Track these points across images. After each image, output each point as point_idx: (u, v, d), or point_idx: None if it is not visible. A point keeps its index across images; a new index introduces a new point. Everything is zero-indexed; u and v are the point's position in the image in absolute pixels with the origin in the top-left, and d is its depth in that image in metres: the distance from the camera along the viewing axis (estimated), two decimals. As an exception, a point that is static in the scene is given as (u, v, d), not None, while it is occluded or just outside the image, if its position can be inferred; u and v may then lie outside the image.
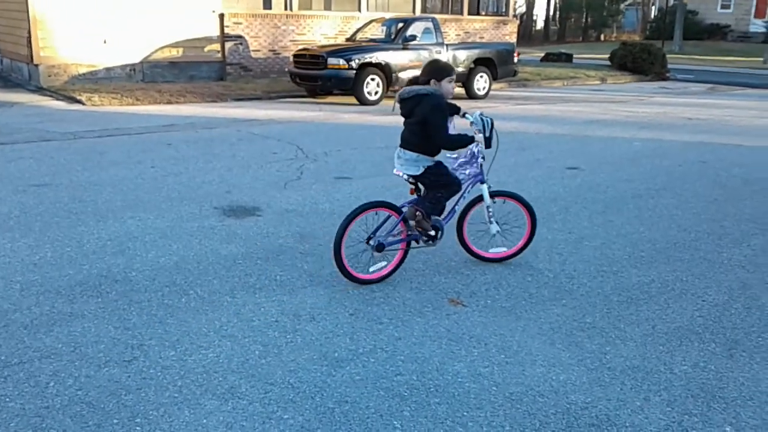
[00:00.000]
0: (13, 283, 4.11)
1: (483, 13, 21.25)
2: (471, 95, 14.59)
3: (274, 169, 7.36)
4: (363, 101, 13.06)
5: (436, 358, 3.35)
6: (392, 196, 5.65)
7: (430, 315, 3.84)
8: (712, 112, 13.64)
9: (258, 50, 15.89)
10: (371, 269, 4.24)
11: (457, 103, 4.42)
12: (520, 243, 4.67)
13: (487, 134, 4.21)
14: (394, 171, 4.31)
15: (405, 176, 4.26)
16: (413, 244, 4.39)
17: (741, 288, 4.38)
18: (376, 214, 4.27)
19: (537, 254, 4.83)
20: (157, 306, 3.84)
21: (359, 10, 17.36)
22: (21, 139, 8.69)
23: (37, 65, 13.58)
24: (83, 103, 11.86)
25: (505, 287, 4.28)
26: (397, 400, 2.97)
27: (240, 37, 15.56)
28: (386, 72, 13.30)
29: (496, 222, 4.52)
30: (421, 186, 4.30)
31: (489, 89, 15.01)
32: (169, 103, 12.49)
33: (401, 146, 4.24)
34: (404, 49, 13.63)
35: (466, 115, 4.30)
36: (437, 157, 4.27)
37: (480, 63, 14.68)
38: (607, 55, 23.94)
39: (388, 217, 4.27)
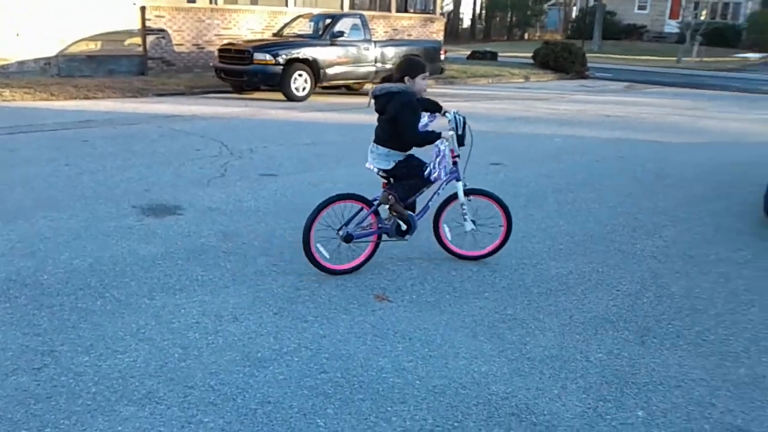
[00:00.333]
0: None
1: (411, 10, 21.46)
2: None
3: (197, 167, 7.17)
4: (291, 97, 12.93)
5: (360, 354, 3.35)
6: (319, 193, 5.61)
7: (356, 312, 3.84)
8: (629, 109, 14.21)
9: (181, 44, 15.46)
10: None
11: None
12: (497, 242, 4.72)
13: (460, 132, 4.30)
14: (366, 165, 4.41)
15: (376, 170, 4.36)
16: (384, 237, 4.45)
17: (653, 277, 4.58)
18: (347, 206, 4.30)
19: (461, 248, 4.90)
20: (70, 310, 3.67)
21: (286, 5, 17.18)
22: None
23: (-59, 58, 12.81)
24: (-8, 98, 11.25)
25: (431, 282, 4.32)
26: (321, 399, 2.95)
27: (162, 30, 15.10)
28: (314, 68, 13.20)
29: (471, 220, 4.56)
30: (392, 180, 4.40)
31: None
32: (86, 98, 11.98)
33: (374, 141, 4.35)
34: (332, 45, 13.56)
35: (446, 114, 4.40)
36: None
37: (408, 60, 14.75)
38: (530, 54, 24.58)
39: (361, 209, 4.31)
